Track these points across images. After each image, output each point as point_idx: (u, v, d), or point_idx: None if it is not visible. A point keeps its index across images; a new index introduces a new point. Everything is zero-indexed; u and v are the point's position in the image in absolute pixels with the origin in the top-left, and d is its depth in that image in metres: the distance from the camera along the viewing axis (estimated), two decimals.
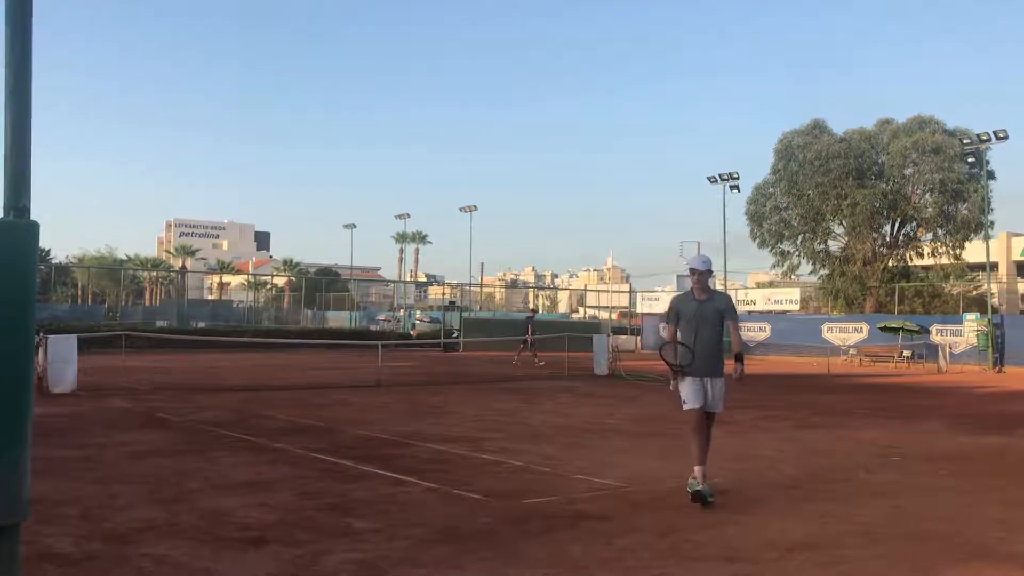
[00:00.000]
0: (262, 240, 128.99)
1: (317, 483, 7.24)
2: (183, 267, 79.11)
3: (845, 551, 5.31)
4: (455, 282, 64.52)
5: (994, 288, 37.92)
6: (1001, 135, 31.99)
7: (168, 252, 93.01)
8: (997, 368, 30.42)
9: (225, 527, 5.64)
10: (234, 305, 57.92)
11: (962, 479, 7.92)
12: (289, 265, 79.92)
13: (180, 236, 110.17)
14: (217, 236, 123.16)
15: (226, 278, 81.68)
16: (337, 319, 53.40)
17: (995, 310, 33.98)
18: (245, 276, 77.83)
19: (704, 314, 6.96)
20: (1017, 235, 50.35)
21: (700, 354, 6.83)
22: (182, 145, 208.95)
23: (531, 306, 47.85)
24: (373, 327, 48.81)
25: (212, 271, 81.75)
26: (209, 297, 72.35)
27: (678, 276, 67.51)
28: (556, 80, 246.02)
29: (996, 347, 30.93)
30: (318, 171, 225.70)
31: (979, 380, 25.00)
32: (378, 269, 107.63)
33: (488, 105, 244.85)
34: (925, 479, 7.97)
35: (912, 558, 5.16)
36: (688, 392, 6.86)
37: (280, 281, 71.75)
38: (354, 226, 65.06)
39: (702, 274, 7.03)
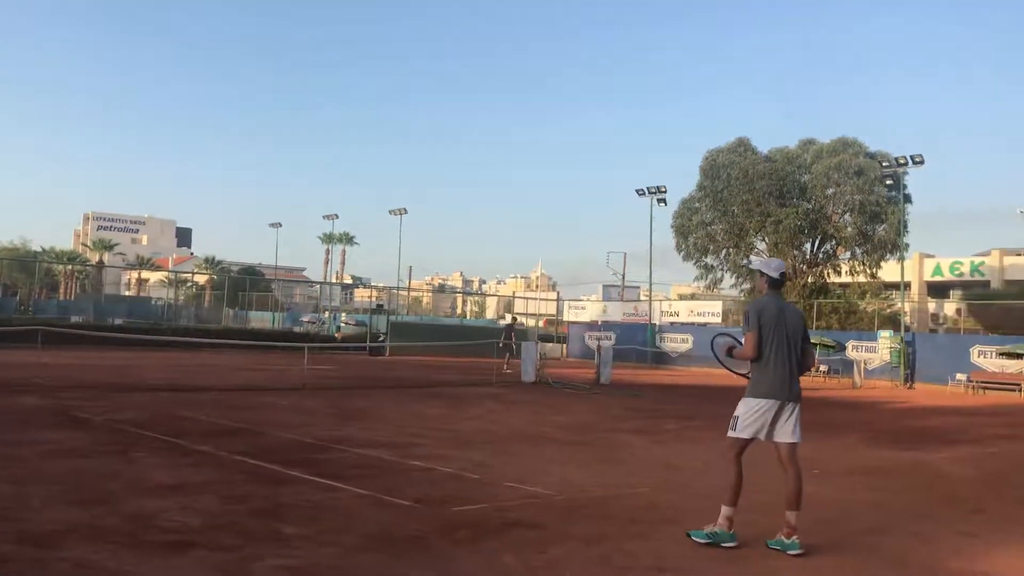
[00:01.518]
0: (183, 236, 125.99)
1: (243, 487, 7.10)
2: (100, 261, 76.81)
3: (774, 561, 5.44)
4: (382, 285, 64.10)
5: (907, 307, 39.26)
6: (918, 159, 33.22)
7: (85, 245, 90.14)
8: (908, 384, 31.52)
9: (149, 531, 5.49)
10: (153, 302, 56.57)
11: (880, 492, 8.18)
12: (211, 263, 78.22)
13: (98, 230, 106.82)
14: (137, 231, 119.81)
15: (145, 274, 79.66)
16: (260, 319, 52.56)
17: (907, 328, 35.20)
18: (165, 273, 76.07)
19: (789, 318, 6.03)
20: (930, 256, 52.27)
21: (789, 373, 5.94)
22: (102, 137, 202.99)
23: (509, 316, 47.07)
24: (297, 328, 48.13)
25: (131, 266, 79.66)
26: (127, 293, 70.55)
27: (604, 285, 68.36)
28: (489, 89, 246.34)
29: (908, 364, 32.06)
30: (243, 168, 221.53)
31: (892, 395, 25.88)
32: (303, 270, 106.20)
33: (420, 109, 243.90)
34: (845, 492, 8.20)
35: (837, 567, 5.31)
36: (752, 420, 5.91)
37: (201, 279, 70.22)
38: (280, 225, 64.04)
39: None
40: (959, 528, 6.75)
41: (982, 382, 29.97)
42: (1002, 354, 30.26)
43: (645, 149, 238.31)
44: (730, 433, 5.98)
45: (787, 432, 5.91)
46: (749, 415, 5.88)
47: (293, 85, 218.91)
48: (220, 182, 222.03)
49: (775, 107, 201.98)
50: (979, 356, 31.21)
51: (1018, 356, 29.73)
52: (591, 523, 6.30)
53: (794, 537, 5.64)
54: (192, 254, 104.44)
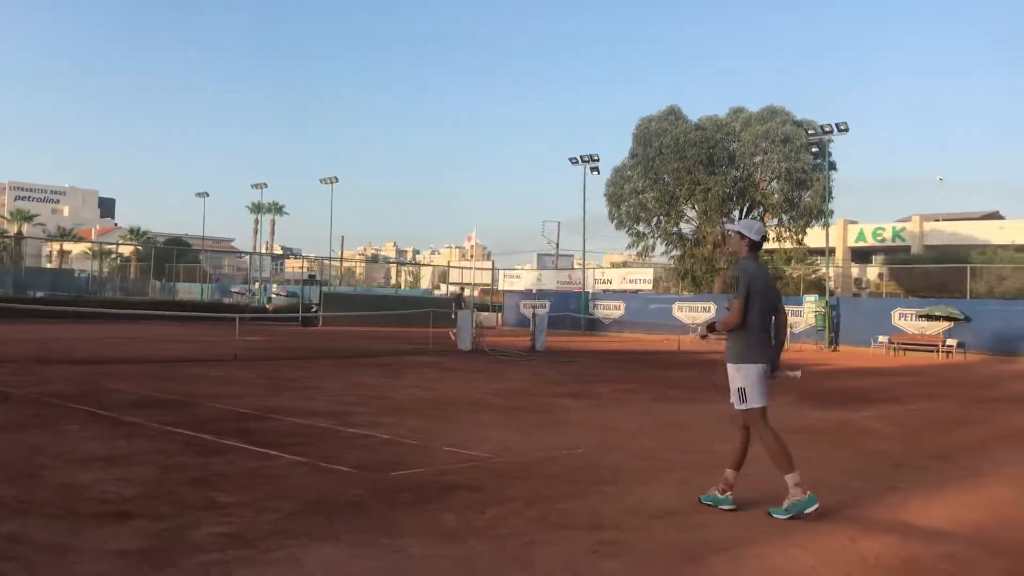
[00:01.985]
0: (107, 207, 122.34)
1: (177, 457, 7.01)
2: (19, 233, 74.15)
3: (705, 516, 5.59)
4: (314, 256, 63.25)
5: (831, 272, 40.31)
6: (843, 127, 33.99)
7: (3, 216, 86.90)
8: (832, 347, 32.49)
9: (82, 502, 5.39)
10: (76, 274, 54.95)
11: (808, 450, 8.42)
12: (136, 234, 76.14)
13: (16, 200, 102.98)
14: (57, 201, 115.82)
15: (67, 246, 77.25)
16: (188, 291, 51.58)
17: (832, 293, 36.19)
18: (88, 244, 73.91)
19: (771, 283, 6.00)
20: (853, 223, 53.67)
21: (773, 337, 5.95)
22: (20, 105, 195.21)
23: (457, 287, 46.40)
24: (226, 300, 47.39)
25: (52, 238, 77.05)
26: (48, 266, 68.37)
27: (538, 254, 68.60)
28: (423, 59, 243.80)
29: (832, 327, 33.02)
30: (168, 137, 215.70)
31: (817, 358, 26.65)
32: (232, 240, 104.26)
33: (352, 77, 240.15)
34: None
35: (768, 522, 5.48)
36: (760, 386, 5.78)
37: (126, 250, 68.46)
38: (207, 195, 62.60)
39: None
40: (881, 481, 7.02)
41: (902, 343, 31.07)
42: (921, 316, 31.37)
43: (579, 118, 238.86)
44: (742, 406, 5.80)
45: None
46: (754, 382, 5.75)
47: (220, 52, 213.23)
48: (145, 151, 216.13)
49: (707, 75, 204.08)
50: (900, 319, 32.30)
51: (936, 318, 30.85)
52: (529, 484, 6.39)
53: (728, 493, 5.77)
54: (116, 225, 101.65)
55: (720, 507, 5.73)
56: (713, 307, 37.76)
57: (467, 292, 39.13)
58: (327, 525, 5.05)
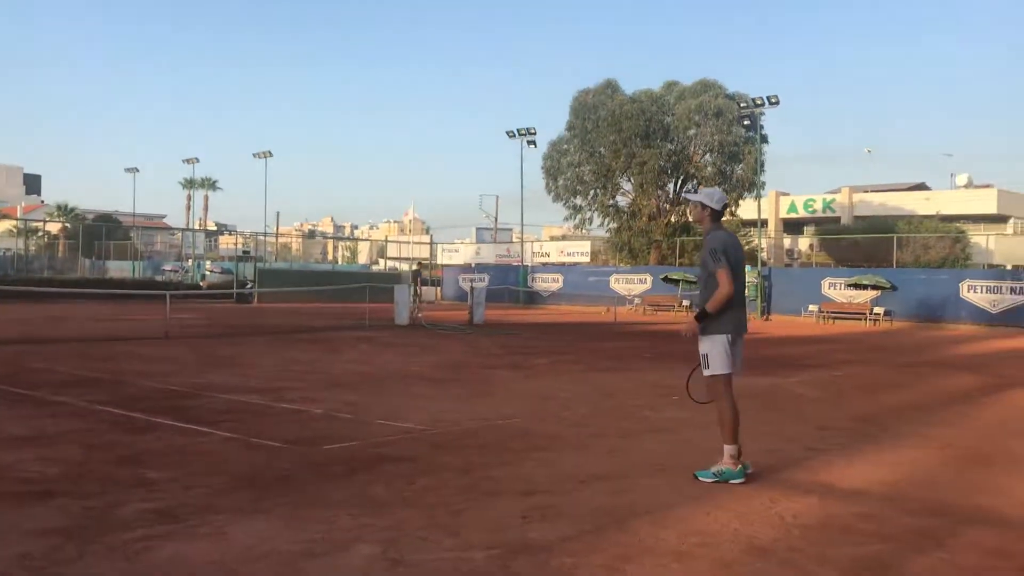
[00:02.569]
0: (32, 183, 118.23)
1: (105, 436, 6.90)
2: None
3: (633, 480, 5.71)
4: (249, 232, 62.20)
5: (764, 243, 41.09)
6: (774, 100, 34.54)
7: None
8: (765, 316, 33.21)
9: (2, 482, 5.29)
10: (1, 253, 53.27)
11: None
12: (64, 211, 73.89)
13: None
14: None
15: None
16: (119, 269, 50.43)
17: (764, 263, 36.91)
18: (13, 222, 71.57)
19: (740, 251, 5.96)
20: (785, 194, 54.64)
21: (743, 306, 5.96)
22: None
23: (416, 263, 45.79)
24: (159, 278, 46.46)
25: None
26: None
27: (477, 228, 68.56)
28: (355, 28, 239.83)
29: (764, 297, 33.72)
30: (95, 110, 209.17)
31: (750, 327, 27.05)
32: (164, 217, 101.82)
33: (283, 48, 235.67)
34: (703, 416, 8.59)
35: (693, 485, 5.62)
36: (726, 355, 5.79)
37: (54, 228, 66.43)
38: (137, 170, 60.95)
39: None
40: (806, 444, 7.25)
41: (832, 312, 31.90)
42: (850, 285, 32.22)
43: (516, 91, 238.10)
44: (707, 372, 5.81)
45: (738, 366, 5.91)
46: (721, 351, 5.75)
47: (149, 23, 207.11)
48: (71, 126, 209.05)
49: (642, 48, 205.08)
50: (829, 288, 33.13)
51: (864, 287, 31.71)
52: (463, 453, 6.45)
53: (740, 467, 5.72)
54: (43, 202, 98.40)
55: (730, 481, 5.62)
56: (649, 278, 38.23)
57: (424, 267, 38.96)
58: (256, 499, 5.04)
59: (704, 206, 5.93)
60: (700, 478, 5.70)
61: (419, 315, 23.67)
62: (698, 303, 5.95)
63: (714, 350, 5.78)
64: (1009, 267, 36.96)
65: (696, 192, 6.22)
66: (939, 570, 4.11)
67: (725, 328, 5.78)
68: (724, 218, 6.23)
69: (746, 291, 6.04)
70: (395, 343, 17.32)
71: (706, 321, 5.78)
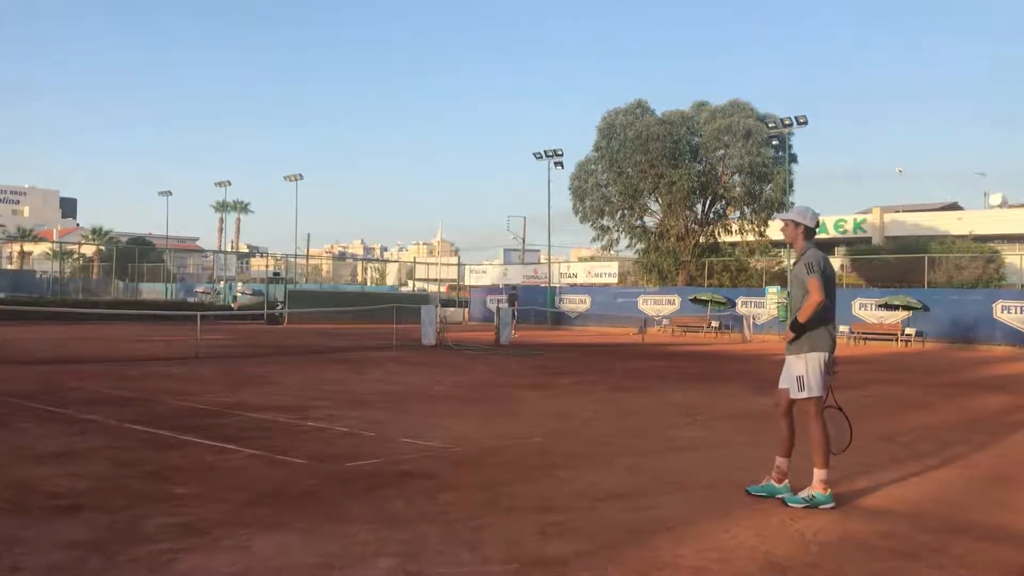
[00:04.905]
0: (68, 207, 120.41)
1: (133, 452, 7.03)
2: None
3: (652, 499, 5.73)
4: (280, 254, 62.90)
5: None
6: (802, 120, 34.49)
7: None
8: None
9: (33, 496, 5.41)
10: (38, 276, 54.21)
11: (758, 435, 8.61)
12: (98, 234, 75.15)
13: None
14: (17, 202, 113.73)
15: (28, 247, 75.99)
16: (152, 291, 51.12)
17: None
18: (49, 245, 72.86)
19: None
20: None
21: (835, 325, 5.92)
22: None
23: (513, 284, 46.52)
24: (191, 299, 46.97)
25: (12, 239, 75.81)
26: (9, 267, 67.24)
27: (505, 250, 68.77)
28: (386, 55, 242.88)
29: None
30: (130, 135, 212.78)
31: (778, 348, 26.88)
32: (196, 239, 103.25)
33: (316, 73, 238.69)
34: (726, 435, 8.63)
35: (712, 503, 5.63)
36: (822, 374, 5.69)
37: (89, 250, 67.53)
38: (170, 193, 62.09)
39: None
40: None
41: (862, 333, 31.58)
42: (880, 306, 31.90)
43: (544, 113, 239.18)
44: (804, 394, 5.64)
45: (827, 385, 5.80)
46: (818, 371, 5.63)
47: (179, 48, 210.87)
48: (106, 151, 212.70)
49: (673, 69, 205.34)
50: (860, 308, 32.82)
51: (895, 307, 31.39)
52: (483, 471, 6.50)
53: (785, 482, 5.72)
54: (78, 225, 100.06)
55: (776, 496, 5.64)
56: (678, 299, 38.11)
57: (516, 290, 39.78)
58: (279, 514, 5.12)
59: (797, 224, 5.86)
60: (790, 504, 5.53)
61: (444, 335, 23.77)
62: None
63: (811, 370, 5.63)
64: None
65: (787, 212, 6.14)
66: None
67: (824, 345, 5.66)
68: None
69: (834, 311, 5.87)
70: (421, 363, 17.42)
71: (801, 339, 5.66)
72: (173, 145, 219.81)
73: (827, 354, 5.65)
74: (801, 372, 5.64)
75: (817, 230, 5.95)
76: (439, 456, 7.11)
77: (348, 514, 5.13)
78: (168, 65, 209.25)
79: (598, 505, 5.50)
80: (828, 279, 5.69)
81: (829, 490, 5.53)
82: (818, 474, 5.56)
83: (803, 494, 5.57)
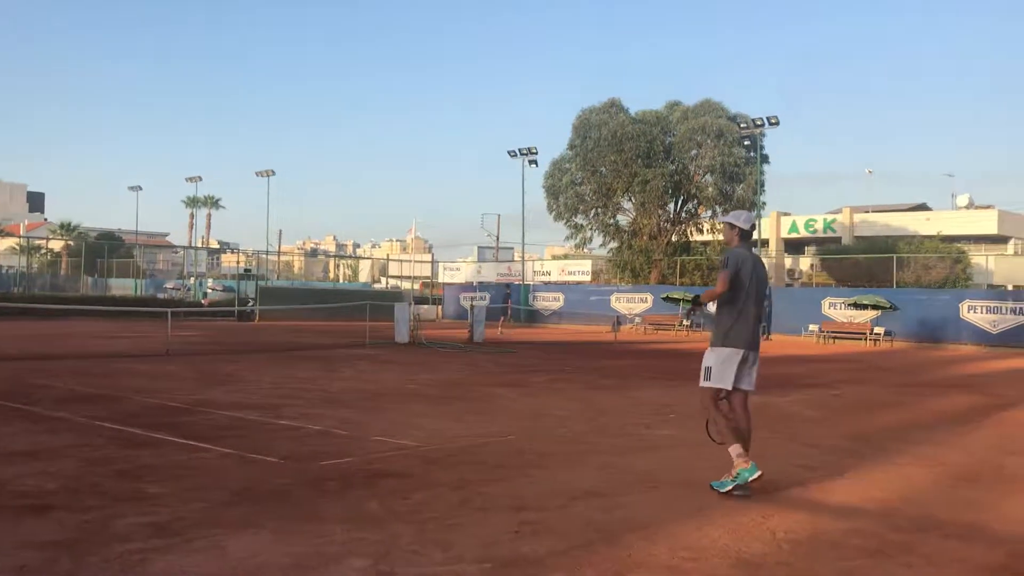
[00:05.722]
0: (35, 201, 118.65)
1: (103, 450, 6.96)
2: None
3: (625, 497, 5.76)
4: (251, 250, 62.42)
5: (765, 262, 41.11)
6: (774, 121, 34.77)
7: None
8: (765, 335, 33.18)
9: (1, 496, 5.34)
10: (4, 271, 53.49)
11: None
12: (67, 229, 74.22)
13: None
14: None
15: None
16: (121, 287, 50.59)
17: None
18: (16, 239, 71.83)
19: (760, 271, 6.21)
20: (786, 214, 54.76)
21: (757, 323, 6.14)
22: None
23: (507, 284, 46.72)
24: (161, 295, 46.53)
25: None
26: None
27: (479, 247, 68.76)
28: (358, 51, 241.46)
29: (765, 317, 33.74)
30: (98, 129, 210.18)
31: None
32: (166, 235, 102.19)
33: (288, 70, 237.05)
34: (698, 433, 8.64)
35: (685, 501, 5.68)
36: (726, 369, 5.99)
37: (57, 245, 66.63)
38: (140, 188, 61.42)
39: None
40: (799, 461, 7.30)
41: (832, 332, 31.93)
42: (850, 305, 32.26)
43: (519, 110, 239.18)
44: (704, 383, 6.03)
45: (749, 381, 6.09)
46: (721, 364, 5.96)
47: (149, 41, 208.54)
48: (75, 145, 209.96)
49: (646, 68, 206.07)
50: (830, 308, 33.19)
51: (864, 307, 31.75)
52: (457, 470, 6.50)
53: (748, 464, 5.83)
54: (46, 220, 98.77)
55: (748, 480, 5.74)
56: (650, 297, 38.30)
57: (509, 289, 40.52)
58: (252, 514, 5.09)
59: (733, 226, 6.23)
60: (716, 488, 5.84)
61: (418, 333, 23.72)
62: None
63: (717, 362, 5.97)
64: (1009, 288, 36.94)
65: (727, 214, 6.52)
66: None
67: (737, 343, 5.96)
68: (716, 239, 6.46)
69: (756, 310, 6.15)
70: (394, 361, 17.38)
71: (718, 333, 6.03)
72: (143, 140, 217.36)
73: (741, 351, 5.94)
74: (710, 364, 6.00)
75: (753, 232, 6.33)
76: (412, 455, 7.11)
77: (321, 514, 5.11)
78: (138, 59, 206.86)
79: (572, 504, 5.52)
80: (740, 277, 5.97)
81: (751, 463, 5.77)
82: (732, 451, 5.86)
83: (726, 477, 5.86)
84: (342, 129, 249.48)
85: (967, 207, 53.42)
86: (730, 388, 5.98)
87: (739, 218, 6.26)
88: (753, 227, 6.33)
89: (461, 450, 7.39)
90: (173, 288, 50.73)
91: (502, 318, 32.82)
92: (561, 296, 42.68)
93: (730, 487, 5.79)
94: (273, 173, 49.95)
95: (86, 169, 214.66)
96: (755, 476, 5.73)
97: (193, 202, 76.96)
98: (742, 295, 5.98)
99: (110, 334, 23.74)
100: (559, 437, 8.31)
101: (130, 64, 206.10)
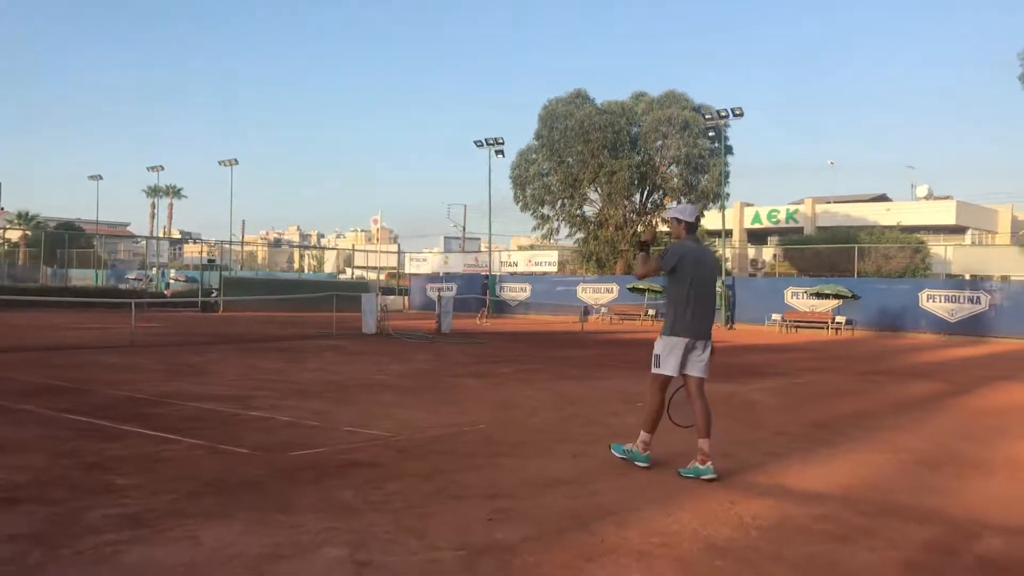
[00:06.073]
0: None
1: (71, 443, 6.90)
2: None
3: (596, 484, 5.84)
4: (214, 240, 61.78)
5: (728, 253, 41.53)
6: (738, 112, 35.03)
7: None
8: (729, 325, 33.56)
9: None
10: None
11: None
12: (24, 218, 72.89)
13: None
14: None
15: None
16: (82, 277, 49.86)
17: (728, 273, 37.31)
18: None
19: (707, 261, 6.43)
20: (749, 205, 55.27)
21: (704, 313, 6.32)
22: None
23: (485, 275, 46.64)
24: (123, 286, 45.98)
25: None
26: None
27: (445, 238, 68.60)
28: (325, 41, 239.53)
29: (728, 306, 34.10)
30: (58, 118, 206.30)
31: (714, 336, 27.37)
32: (127, 225, 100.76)
33: (252, 58, 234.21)
34: (665, 421, 8.78)
35: (654, 488, 5.77)
36: (674, 358, 6.20)
37: (14, 235, 65.44)
38: (100, 178, 60.48)
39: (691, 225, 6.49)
40: (764, 449, 7.43)
41: (794, 321, 32.35)
42: (812, 294, 32.69)
43: (486, 100, 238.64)
44: (654, 370, 6.27)
45: (699, 368, 6.23)
46: (667, 352, 6.19)
47: (110, 28, 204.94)
48: (34, 133, 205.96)
49: (612, 59, 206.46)
50: (792, 297, 33.60)
51: (826, 296, 32.20)
52: (429, 459, 6.54)
53: (708, 463, 6.02)
54: (2, 209, 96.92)
55: (702, 477, 5.99)
56: (616, 288, 38.52)
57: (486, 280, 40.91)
58: (224, 504, 5.09)
59: (679, 220, 6.42)
60: (613, 450, 6.52)
61: (385, 323, 23.68)
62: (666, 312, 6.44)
63: (664, 351, 6.23)
64: (967, 277, 37.66)
65: (672, 210, 6.68)
66: (887, 567, 4.27)
67: (681, 332, 6.19)
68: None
69: (712, 300, 6.48)
70: (362, 352, 17.35)
71: (666, 323, 6.31)
72: (104, 129, 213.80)
73: (685, 340, 6.17)
74: (658, 351, 6.28)
75: (699, 224, 6.61)
76: (384, 445, 7.13)
77: (295, 504, 5.13)
78: (99, 46, 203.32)
79: (544, 492, 5.59)
80: (695, 271, 6.21)
81: (648, 452, 6.30)
82: (641, 435, 6.34)
83: (627, 446, 6.44)
84: (306, 118, 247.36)
85: (926, 198, 54.26)
86: (675, 375, 6.21)
87: (684, 212, 6.46)
88: (698, 219, 6.54)
89: (432, 440, 7.43)
90: (135, 279, 50.12)
91: (483, 309, 33.11)
92: (528, 287, 42.78)
93: (620, 455, 6.41)
94: (236, 162, 49.49)
95: (44, 158, 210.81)
96: (643, 465, 6.26)
97: (155, 191, 75.88)
98: (686, 287, 6.19)
99: (73, 325, 23.42)
100: (529, 427, 8.37)
101: (90, 51, 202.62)
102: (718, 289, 34.00)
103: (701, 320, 6.25)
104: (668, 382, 6.26)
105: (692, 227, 6.43)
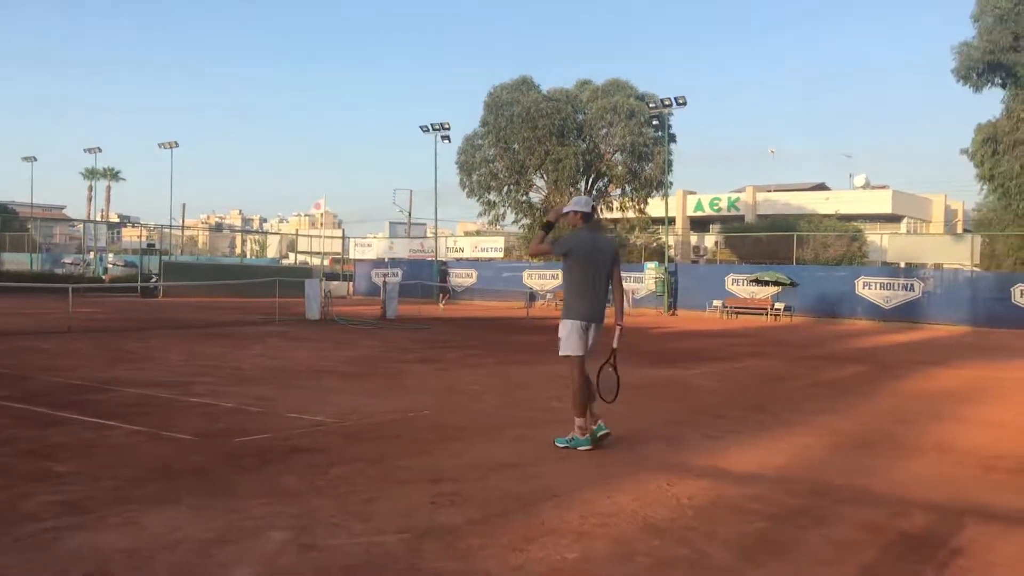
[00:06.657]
0: None
1: (7, 430, 6.79)
2: None
3: (539, 468, 5.95)
4: (153, 224, 60.57)
5: (671, 240, 42.06)
6: (681, 101, 35.41)
7: None
8: (671, 311, 34.04)
9: None
10: None
11: (637, 404, 8.96)
12: None
13: None
14: None
15: None
16: (15, 262, 48.53)
17: (671, 260, 37.79)
18: None
19: (601, 248, 6.76)
20: (692, 193, 55.91)
21: (596, 297, 6.70)
22: None
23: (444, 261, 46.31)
24: (59, 271, 44.86)
25: None
26: None
27: (391, 223, 68.21)
28: (269, 23, 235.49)
29: (671, 292, 34.58)
30: None
31: (656, 322, 27.90)
32: (63, 208, 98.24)
33: (193, 39, 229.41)
34: (607, 406, 8.93)
35: (594, 470, 5.90)
36: (576, 339, 6.62)
37: None
38: (34, 159, 58.76)
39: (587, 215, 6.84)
40: (703, 432, 7.62)
41: (735, 307, 32.90)
42: (752, 281, 33.27)
43: (431, 84, 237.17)
44: (561, 352, 6.67)
45: (588, 349, 6.69)
46: (570, 335, 6.60)
47: (47, 6, 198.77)
48: None
49: (556, 46, 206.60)
50: (733, 284, 34.15)
51: (766, 283, 32.81)
52: (374, 445, 6.58)
53: (600, 421, 6.58)
54: None
55: (578, 448, 6.49)
56: (560, 275, 38.77)
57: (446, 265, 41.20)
58: (168, 491, 5.08)
59: (575, 212, 6.84)
60: (556, 443, 6.60)
61: (329, 309, 23.54)
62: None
63: (564, 334, 6.66)
64: (902, 265, 38.65)
65: (570, 203, 7.05)
66: (817, 544, 4.44)
67: (575, 315, 6.64)
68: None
69: (604, 286, 6.81)
70: (306, 338, 17.25)
71: (565, 308, 6.76)
72: (38, 109, 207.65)
73: (580, 322, 6.60)
74: (561, 335, 6.68)
75: (594, 214, 6.98)
76: (329, 431, 7.15)
77: (239, 489, 5.13)
78: (36, 22, 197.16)
79: (488, 475, 5.67)
80: (579, 257, 6.65)
81: (587, 435, 6.54)
82: (576, 421, 6.60)
83: (567, 437, 6.64)
84: (249, 101, 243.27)
85: (863, 187, 55.47)
86: (581, 355, 6.60)
87: (579, 203, 6.89)
88: (593, 209, 6.95)
89: (378, 425, 7.47)
90: (72, 263, 48.93)
91: (443, 295, 33.28)
92: (474, 272, 42.80)
93: (563, 445, 6.56)
94: (177, 145, 48.48)
95: None
96: (586, 448, 6.49)
97: (92, 174, 74.03)
98: (578, 273, 6.66)
99: (7, 311, 22.83)
100: (474, 411, 8.45)
101: (26, 27, 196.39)
102: (660, 275, 34.47)
103: (591, 304, 6.65)
104: (581, 362, 6.61)
105: (588, 216, 6.82)
